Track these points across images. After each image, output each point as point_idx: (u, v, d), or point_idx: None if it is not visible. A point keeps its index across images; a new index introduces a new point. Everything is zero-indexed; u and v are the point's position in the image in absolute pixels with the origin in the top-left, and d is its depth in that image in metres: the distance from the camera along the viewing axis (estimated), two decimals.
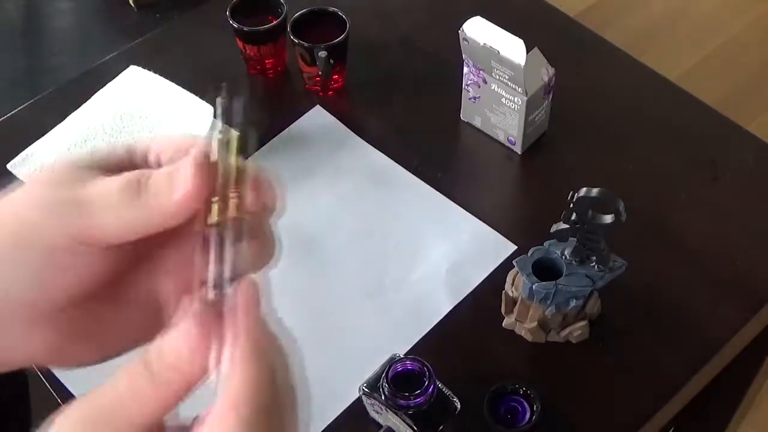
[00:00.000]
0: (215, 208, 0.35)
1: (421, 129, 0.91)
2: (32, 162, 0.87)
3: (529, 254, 0.72)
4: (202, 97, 0.90)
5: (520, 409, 0.69)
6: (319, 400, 0.70)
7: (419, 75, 0.96)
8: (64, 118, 0.91)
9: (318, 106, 0.93)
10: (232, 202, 0.35)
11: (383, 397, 0.65)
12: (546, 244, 0.72)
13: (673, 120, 0.92)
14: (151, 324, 0.37)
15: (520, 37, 0.79)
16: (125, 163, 0.37)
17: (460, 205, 0.84)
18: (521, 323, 0.74)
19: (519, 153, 0.88)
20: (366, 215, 0.84)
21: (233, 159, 0.36)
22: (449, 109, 0.92)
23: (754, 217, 0.83)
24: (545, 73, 0.83)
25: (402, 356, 0.67)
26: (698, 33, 2.17)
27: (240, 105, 0.40)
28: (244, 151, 0.37)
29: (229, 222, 0.35)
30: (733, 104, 1.87)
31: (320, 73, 0.90)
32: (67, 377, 0.72)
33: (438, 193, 0.85)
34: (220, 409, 0.33)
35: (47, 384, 0.72)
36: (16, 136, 0.90)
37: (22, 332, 0.36)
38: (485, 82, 0.84)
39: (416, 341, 0.75)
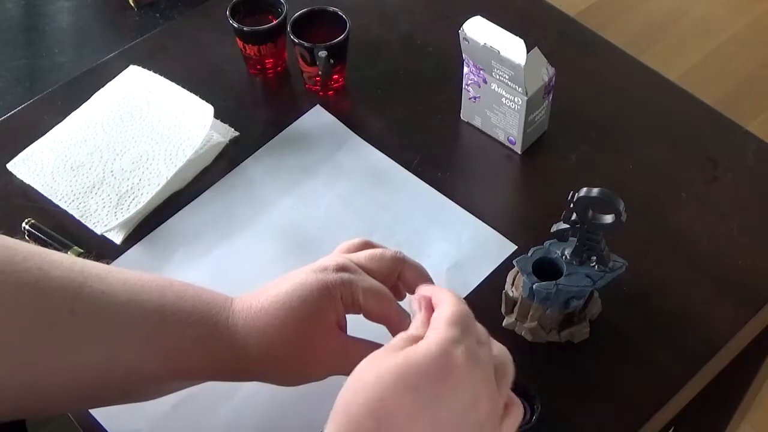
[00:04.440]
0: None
1: (421, 129, 0.91)
2: (32, 162, 0.88)
3: (529, 254, 0.72)
4: (202, 97, 0.90)
5: None
6: (319, 399, 0.69)
7: (419, 75, 0.96)
8: (64, 118, 0.91)
9: (318, 105, 0.93)
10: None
11: None
12: (546, 244, 0.72)
13: (673, 120, 0.92)
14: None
15: (520, 37, 0.79)
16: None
17: (460, 205, 0.84)
18: (521, 323, 0.74)
19: (519, 153, 0.88)
20: (366, 215, 0.84)
21: None
22: (449, 109, 0.92)
23: (755, 217, 0.83)
24: (545, 73, 0.83)
25: None
26: (698, 33, 2.17)
27: None
28: None
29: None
30: (733, 104, 1.88)
31: (320, 73, 0.90)
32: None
33: (438, 193, 0.85)
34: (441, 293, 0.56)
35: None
36: (16, 136, 0.90)
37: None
38: (485, 82, 0.84)
39: None
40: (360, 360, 0.54)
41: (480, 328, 0.55)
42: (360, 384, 0.51)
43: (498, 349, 0.56)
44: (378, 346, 0.60)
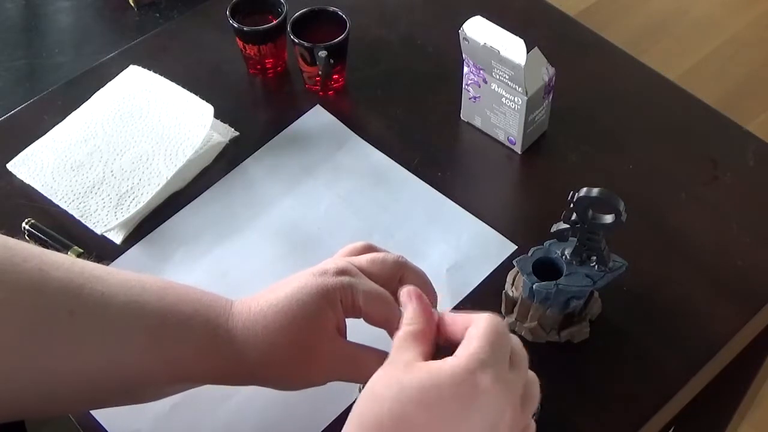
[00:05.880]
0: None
1: (421, 129, 0.91)
2: (32, 162, 0.88)
3: (529, 254, 0.72)
4: (202, 97, 0.90)
5: None
6: (318, 399, 0.70)
7: (419, 75, 0.96)
8: (64, 118, 0.91)
9: (318, 105, 0.93)
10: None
11: None
12: (546, 244, 0.72)
13: (673, 120, 0.92)
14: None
15: (520, 37, 0.79)
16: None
17: (460, 205, 0.84)
18: (521, 323, 0.74)
19: (519, 153, 0.88)
20: (366, 215, 0.84)
21: None
22: (449, 109, 0.92)
23: (755, 217, 0.83)
24: (545, 73, 0.83)
25: None
26: (698, 33, 2.17)
27: None
28: None
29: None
30: (733, 104, 1.88)
31: (320, 72, 0.90)
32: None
33: (438, 192, 0.85)
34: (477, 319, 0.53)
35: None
36: (16, 135, 0.90)
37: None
38: (485, 81, 0.84)
39: None
40: (359, 365, 0.53)
41: (516, 348, 0.53)
42: (379, 398, 0.50)
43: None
44: (378, 351, 0.60)
